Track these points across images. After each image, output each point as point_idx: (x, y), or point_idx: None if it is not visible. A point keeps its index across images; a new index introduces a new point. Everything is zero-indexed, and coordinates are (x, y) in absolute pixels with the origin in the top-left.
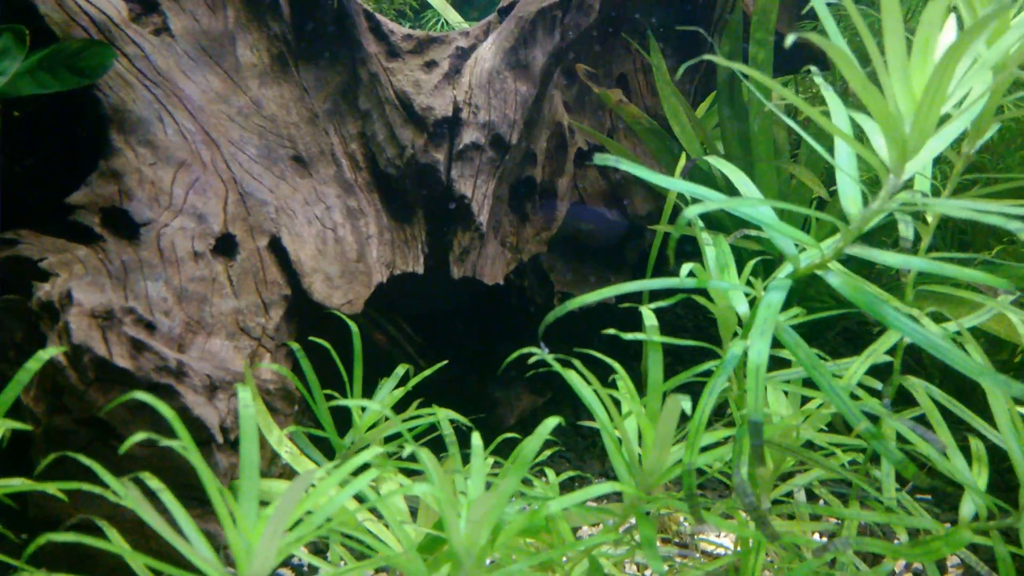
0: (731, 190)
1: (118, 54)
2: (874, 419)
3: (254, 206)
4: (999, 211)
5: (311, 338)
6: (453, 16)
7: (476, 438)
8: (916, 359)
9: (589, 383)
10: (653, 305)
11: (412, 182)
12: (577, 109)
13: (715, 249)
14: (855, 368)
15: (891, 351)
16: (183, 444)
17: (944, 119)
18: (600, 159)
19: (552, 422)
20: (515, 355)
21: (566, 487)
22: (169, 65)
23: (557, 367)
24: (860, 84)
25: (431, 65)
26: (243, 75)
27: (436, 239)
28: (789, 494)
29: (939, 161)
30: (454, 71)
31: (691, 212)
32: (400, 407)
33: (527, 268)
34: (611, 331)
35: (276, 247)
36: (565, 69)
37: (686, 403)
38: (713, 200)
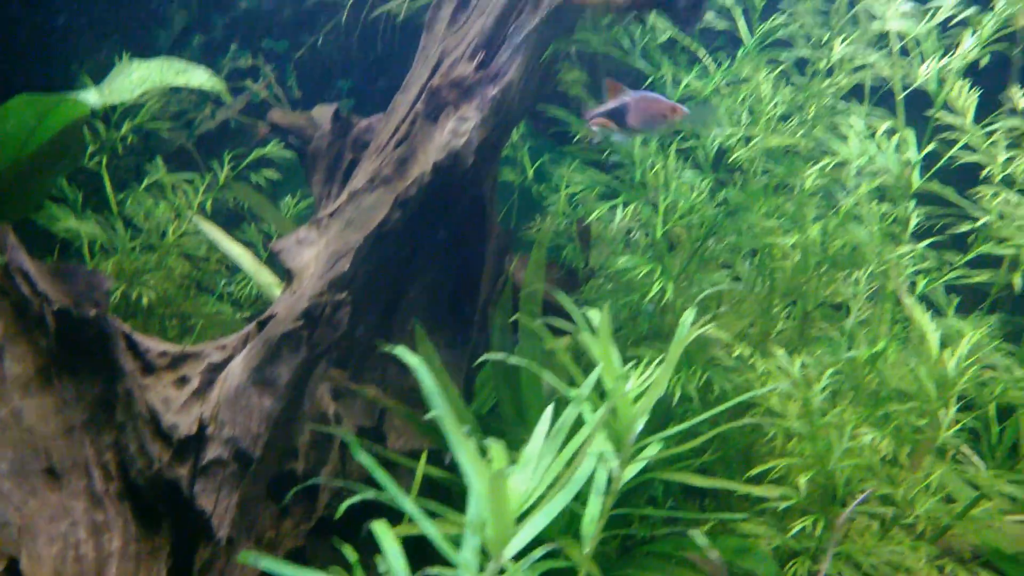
0: None
1: None
2: None
3: None
4: None
5: None
6: (265, 278)
7: None
8: None
9: None
10: None
11: (159, 494)
12: (349, 393)
13: None
14: None
15: None
16: None
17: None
18: None
19: None
20: None
21: None
22: None
23: None
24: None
25: (183, 381)
26: (7, 386)
27: (182, 551)
28: None
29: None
30: (205, 385)
31: None
32: None
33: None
34: None
35: (12, 572)
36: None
37: None
38: None
